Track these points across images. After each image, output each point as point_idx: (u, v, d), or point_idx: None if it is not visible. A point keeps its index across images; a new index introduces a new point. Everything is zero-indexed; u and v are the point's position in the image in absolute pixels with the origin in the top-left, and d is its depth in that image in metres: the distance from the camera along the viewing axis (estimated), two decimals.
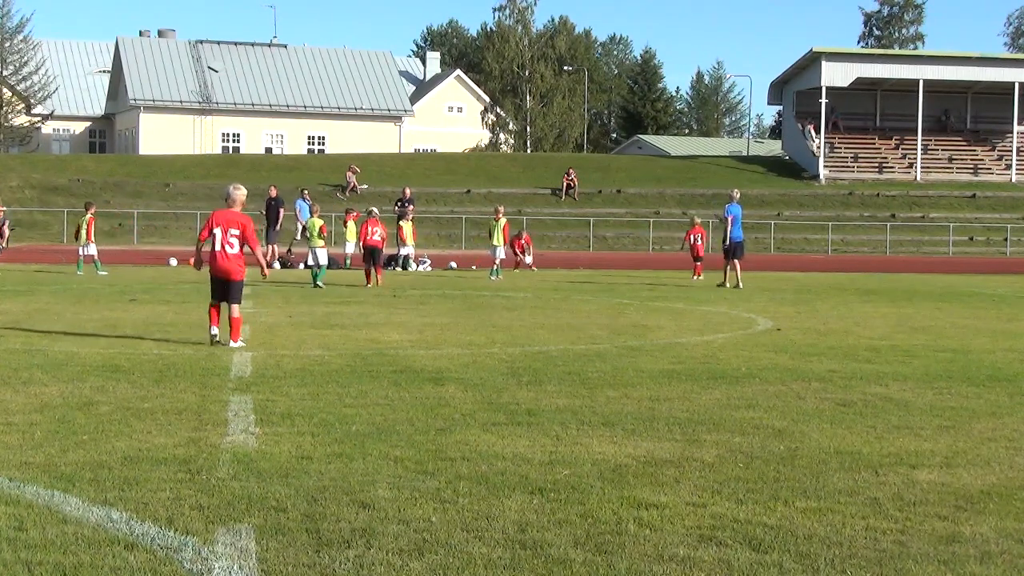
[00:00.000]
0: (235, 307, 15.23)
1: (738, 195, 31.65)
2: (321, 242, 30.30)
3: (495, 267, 33.91)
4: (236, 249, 15.31)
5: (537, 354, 14.83)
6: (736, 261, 30.14)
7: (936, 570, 6.10)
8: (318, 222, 30.91)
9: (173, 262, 38.02)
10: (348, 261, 37.85)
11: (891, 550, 6.41)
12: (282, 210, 40.23)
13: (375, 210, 32.16)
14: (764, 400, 11.38)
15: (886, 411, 10.86)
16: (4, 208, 34.80)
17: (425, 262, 38.86)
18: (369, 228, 30.34)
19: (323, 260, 29.93)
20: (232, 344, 14.91)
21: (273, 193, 40.92)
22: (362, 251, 30.87)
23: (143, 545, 6.21)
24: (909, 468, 8.42)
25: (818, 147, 71.29)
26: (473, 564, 6.03)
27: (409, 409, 10.50)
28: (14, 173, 61.13)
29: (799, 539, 6.57)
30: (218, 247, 15.30)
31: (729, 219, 30.63)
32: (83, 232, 32.64)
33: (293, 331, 17.29)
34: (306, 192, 42.66)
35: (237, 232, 15.27)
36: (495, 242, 34.24)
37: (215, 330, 15.22)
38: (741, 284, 29.84)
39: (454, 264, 39.61)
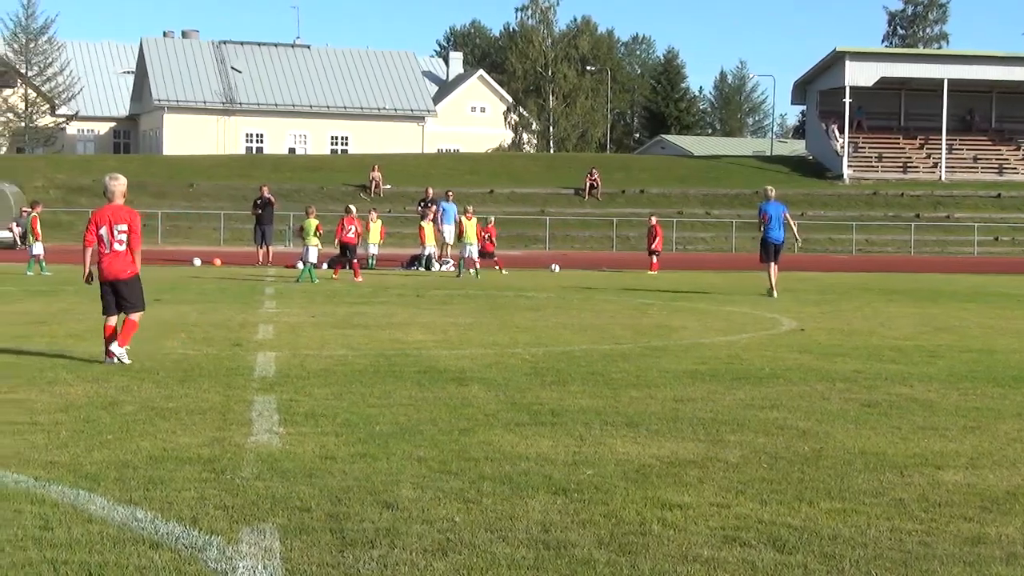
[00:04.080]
0: (135, 315, 13.48)
1: (773, 192, 28.31)
2: (315, 240, 31.63)
3: (473, 266, 34.63)
4: (124, 247, 13.46)
5: (560, 354, 14.82)
6: (773, 264, 27.09)
7: (962, 571, 6.07)
8: (314, 222, 32.01)
9: (197, 262, 38.13)
10: (372, 261, 37.92)
11: (916, 551, 6.38)
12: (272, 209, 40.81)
13: (353, 208, 33.84)
14: (788, 401, 11.35)
15: (911, 412, 10.82)
16: (26, 210, 34.90)
17: (448, 262, 38.85)
18: (344, 225, 32.20)
19: (312, 258, 31.29)
20: (116, 348, 13.09)
21: (265, 192, 40.77)
22: (337, 247, 32.62)
23: (168, 544, 6.23)
24: (934, 469, 8.39)
25: (842, 147, 71.06)
26: (497, 564, 6.03)
27: (432, 409, 10.50)
28: (39, 173, 61.39)
29: (824, 540, 6.55)
30: (106, 248, 13.41)
31: (762, 218, 27.56)
32: (29, 232, 32.83)
33: (316, 331, 17.32)
34: (450, 193, 42.14)
35: (124, 228, 13.45)
36: (468, 241, 34.63)
37: (112, 359, 13.12)
38: (776, 292, 26.67)
39: (477, 265, 39.54)
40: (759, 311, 22.30)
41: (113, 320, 13.47)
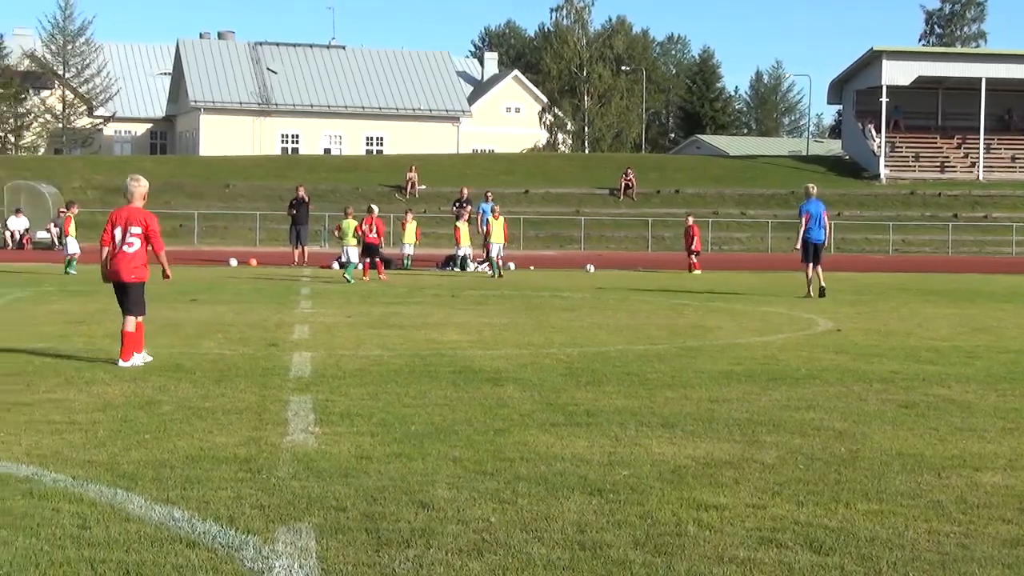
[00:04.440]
0: (130, 319, 13.14)
1: (815, 190, 27.33)
2: (354, 241, 32.12)
3: (464, 264, 36.37)
4: (135, 248, 13.30)
5: (596, 355, 14.80)
6: (817, 266, 26.14)
7: (1000, 574, 6.02)
8: (352, 223, 32.51)
9: (233, 262, 38.31)
10: (407, 261, 38.00)
11: (954, 553, 6.34)
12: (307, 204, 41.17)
13: (375, 208, 33.96)
14: (825, 401, 11.30)
15: (948, 413, 10.75)
16: (63, 211, 35.15)
17: (484, 263, 38.88)
18: (365, 227, 32.59)
19: (353, 258, 31.86)
20: (121, 363, 12.90)
21: (301, 193, 40.99)
22: (360, 247, 32.88)
23: (204, 543, 6.25)
24: (972, 471, 8.33)
25: (879, 146, 70.72)
26: (532, 565, 6.02)
27: (468, 409, 10.51)
28: (76, 174, 61.81)
29: (861, 541, 6.52)
30: (117, 249, 13.32)
31: (803, 218, 26.47)
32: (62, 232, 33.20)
33: (352, 331, 17.36)
34: (489, 194, 42.33)
35: (138, 230, 13.26)
36: (494, 240, 35.75)
37: (142, 358, 13.22)
38: (818, 292, 25.70)
39: (512, 265, 39.63)
40: (795, 312, 22.22)
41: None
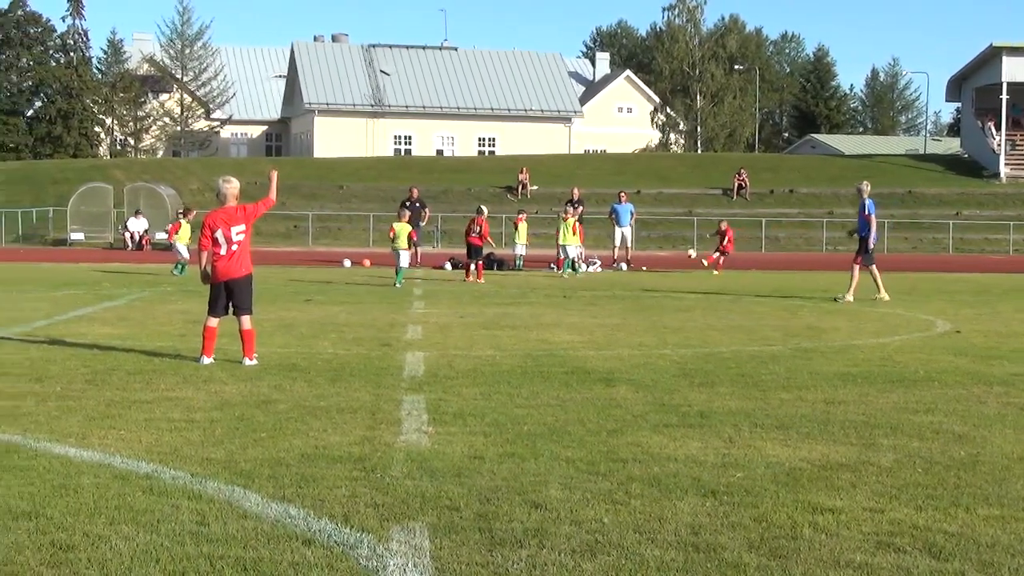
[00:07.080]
0: (246, 319, 13.35)
1: (868, 188, 26.57)
2: (405, 246, 30.98)
3: (575, 265, 35.70)
4: (241, 244, 13.41)
5: (709, 355, 14.70)
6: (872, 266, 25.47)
7: None
8: (406, 228, 31.28)
9: (347, 263, 38.66)
10: (519, 262, 38.07)
11: None
12: (427, 210, 41.00)
13: (484, 209, 33.78)
14: (943, 404, 11.11)
15: None
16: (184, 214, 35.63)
17: (595, 263, 38.84)
18: (472, 226, 32.37)
19: (404, 263, 30.38)
20: (247, 362, 13.16)
21: (414, 194, 41.09)
22: (466, 248, 32.76)
23: (320, 541, 6.32)
24: None
25: (998, 144, 69.41)
26: (646, 566, 6.00)
27: (580, 410, 10.49)
28: (194, 176, 62.83)
29: (981, 547, 6.40)
30: (222, 250, 13.36)
31: (873, 216, 25.88)
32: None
33: (464, 331, 17.42)
34: (623, 194, 42.28)
35: (242, 227, 13.36)
36: (565, 241, 35.48)
37: (207, 360, 13.26)
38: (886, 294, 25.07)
39: (624, 266, 39.53)
40: (912, 312, 21.88)
41: (215, 322, 13.46)
